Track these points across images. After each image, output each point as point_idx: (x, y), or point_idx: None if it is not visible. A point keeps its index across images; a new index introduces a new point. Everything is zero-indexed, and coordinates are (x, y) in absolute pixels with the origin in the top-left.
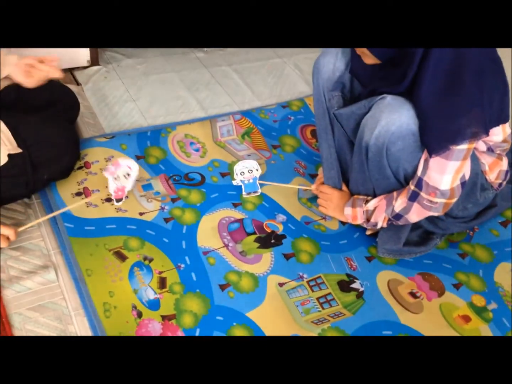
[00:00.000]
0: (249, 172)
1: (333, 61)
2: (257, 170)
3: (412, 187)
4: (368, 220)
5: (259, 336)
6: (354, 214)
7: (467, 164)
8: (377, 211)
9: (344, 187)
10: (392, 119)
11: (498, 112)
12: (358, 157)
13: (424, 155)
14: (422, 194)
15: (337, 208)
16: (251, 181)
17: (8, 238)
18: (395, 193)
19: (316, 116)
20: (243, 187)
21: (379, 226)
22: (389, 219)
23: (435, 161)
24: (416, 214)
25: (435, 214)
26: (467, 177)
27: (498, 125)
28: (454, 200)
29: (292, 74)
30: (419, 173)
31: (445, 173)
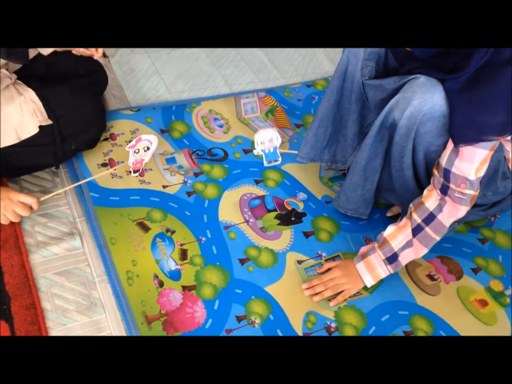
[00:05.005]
0: (270, 142)
1: None
2: (277, 138)
3: (436, 186)
4: (393, 259)
5: (270, 336)
6: (370, 267)
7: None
8: (402, 234)
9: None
10: (425, 99)
11: None
12: (375, 141)
13: (450, 145)
14: (452, 186)
15: (353, 275)
16: (271, 150)
17: (30, 207)
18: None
19: (333, 76)
20: (264, 156)
21: (411, 257)
22: (415, 231)
23: (464, 150)
24: (448, 212)
25: (464, 209)
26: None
27: None
28: (478, 192)
29: (318, 53)
30: (443, 163)
31: (473, 162)
